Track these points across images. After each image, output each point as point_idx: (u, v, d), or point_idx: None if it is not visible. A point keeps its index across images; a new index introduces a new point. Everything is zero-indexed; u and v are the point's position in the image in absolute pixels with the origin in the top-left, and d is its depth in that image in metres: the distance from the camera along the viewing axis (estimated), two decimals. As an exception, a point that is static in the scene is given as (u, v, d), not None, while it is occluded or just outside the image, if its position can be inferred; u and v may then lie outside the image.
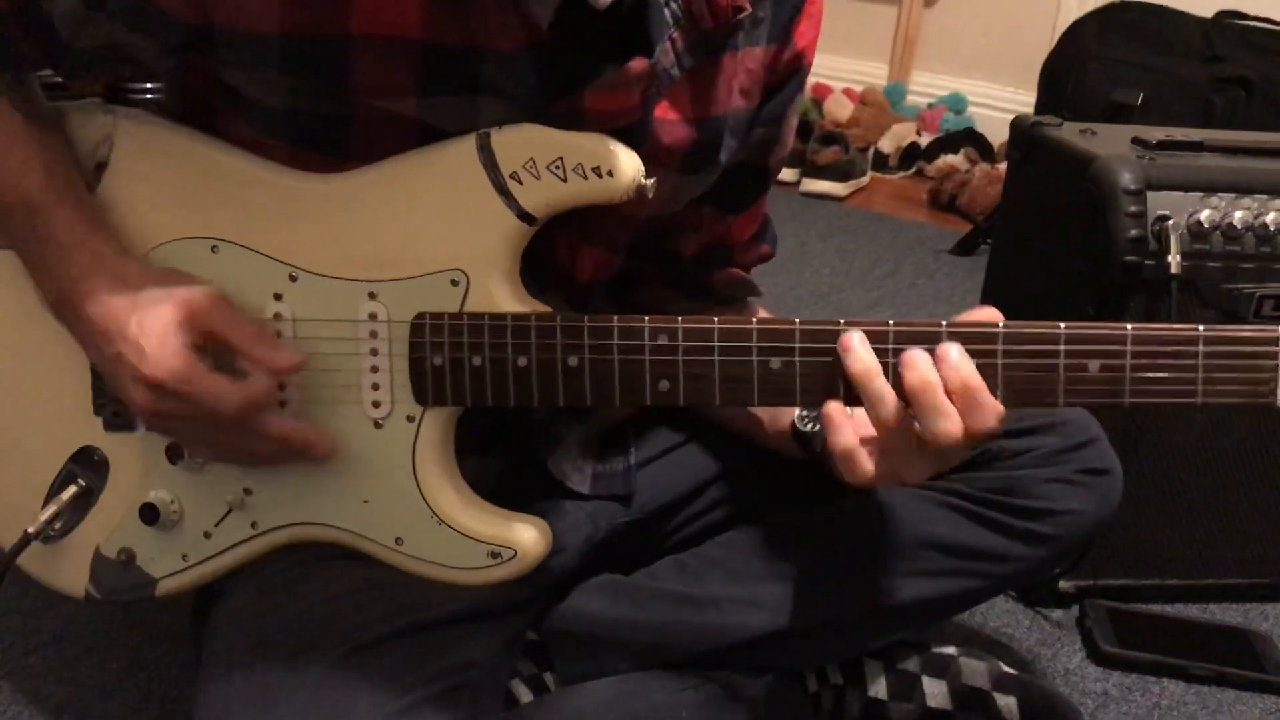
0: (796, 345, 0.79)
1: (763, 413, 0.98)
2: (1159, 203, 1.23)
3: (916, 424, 0.75)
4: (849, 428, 0.78)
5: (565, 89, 0.81)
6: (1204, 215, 1.23)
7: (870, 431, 0.78)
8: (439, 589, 0.86)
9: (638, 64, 0.81)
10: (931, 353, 0.76)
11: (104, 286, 0.81)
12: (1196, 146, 1.31)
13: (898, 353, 0.77)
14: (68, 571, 0.93)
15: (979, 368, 0.76)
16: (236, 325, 0.81)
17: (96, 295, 0.80)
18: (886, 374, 0.77)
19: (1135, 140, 1.33)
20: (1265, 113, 2.29)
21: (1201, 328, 0.76)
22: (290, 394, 0.84)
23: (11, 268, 0.88)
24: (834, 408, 0.79)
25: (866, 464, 0.78)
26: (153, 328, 0.78)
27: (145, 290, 0.80)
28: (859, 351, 0.77)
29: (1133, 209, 1.22)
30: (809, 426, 0.92)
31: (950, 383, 0.75)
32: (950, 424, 0.74)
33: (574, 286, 0.94)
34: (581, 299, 0.95)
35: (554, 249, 0.90)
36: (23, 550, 0.91)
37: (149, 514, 0.88)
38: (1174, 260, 1.20)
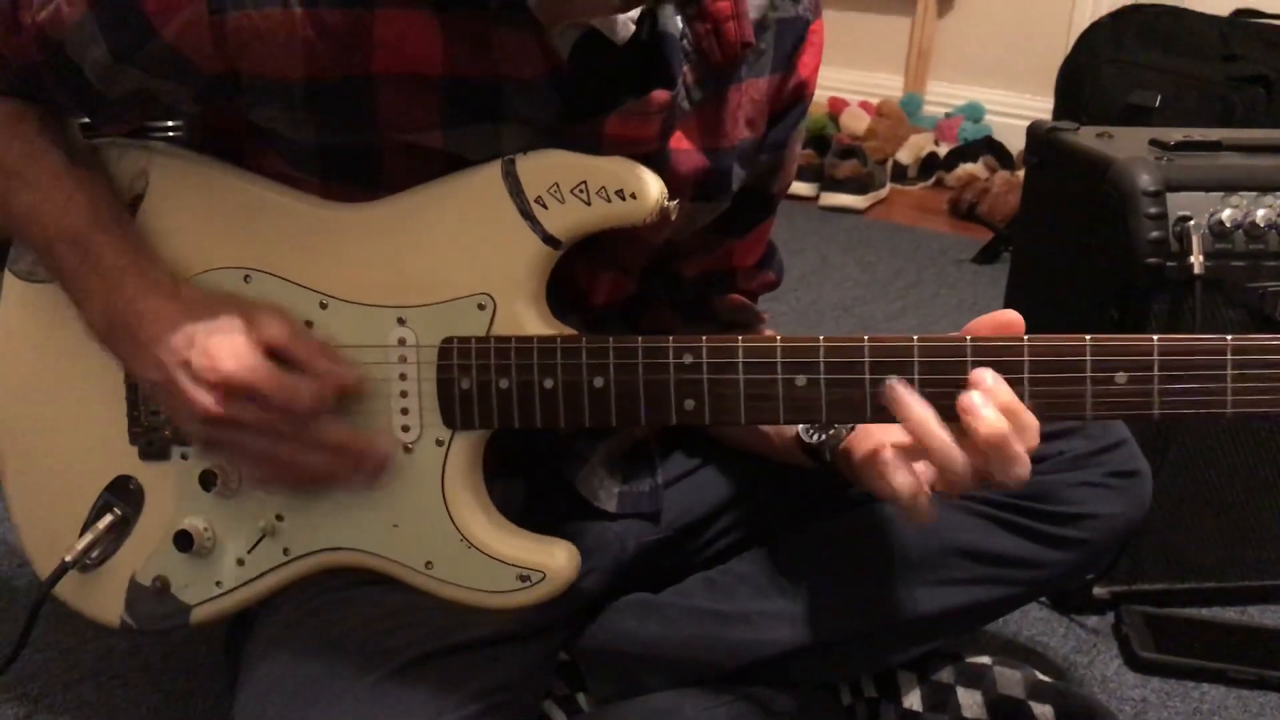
0: (821, 361, 0.79)
1: (769, 426, 0.98)
2: (1179, 203, 1.22)
3: (985, 471, 0.75)
4: (908, 469, 0.78)
5: (586, 115, 0.82)
6: (1226, 214, 1.22)
7: (900, 439, 0.78)
8: (470, 612, 0.87)
9: (661, 95, 0.82)
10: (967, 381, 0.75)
11: (162, 306, 0.82)
12: (1215, 146, 1.31)
13: (923, 367, 0.77)
14: (103, 600, 0.94)
15: (1006, 383, 0.76)
16: (301, 338, 0.82)
17: (155, 314, 0.81)
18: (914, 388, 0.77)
19: (1153, 142, 1.32)
20: (1286, 110, 2.28)
21: (1230, 338, 0.75)
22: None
23: (52, 300, 0.90)
24: (889, 452, 0.79)
25: (928, 503, 0.78)
26: (222, 334, 0.79)
27: (207, 307, 0.81)
28: (909, 404, 0.76)
29: (1152, 210, 1.21)
30: (814, 437, 0.92)
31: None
32: (1023, 469, 0.74)
33: (590, 310, 0.95)
34: (598, 322, 0.96)
35: (572, 273, 0.91)
36: (59, 579, 0.92)
37: (183, 541, 0.89)
38: (1196, 260, 1.20)
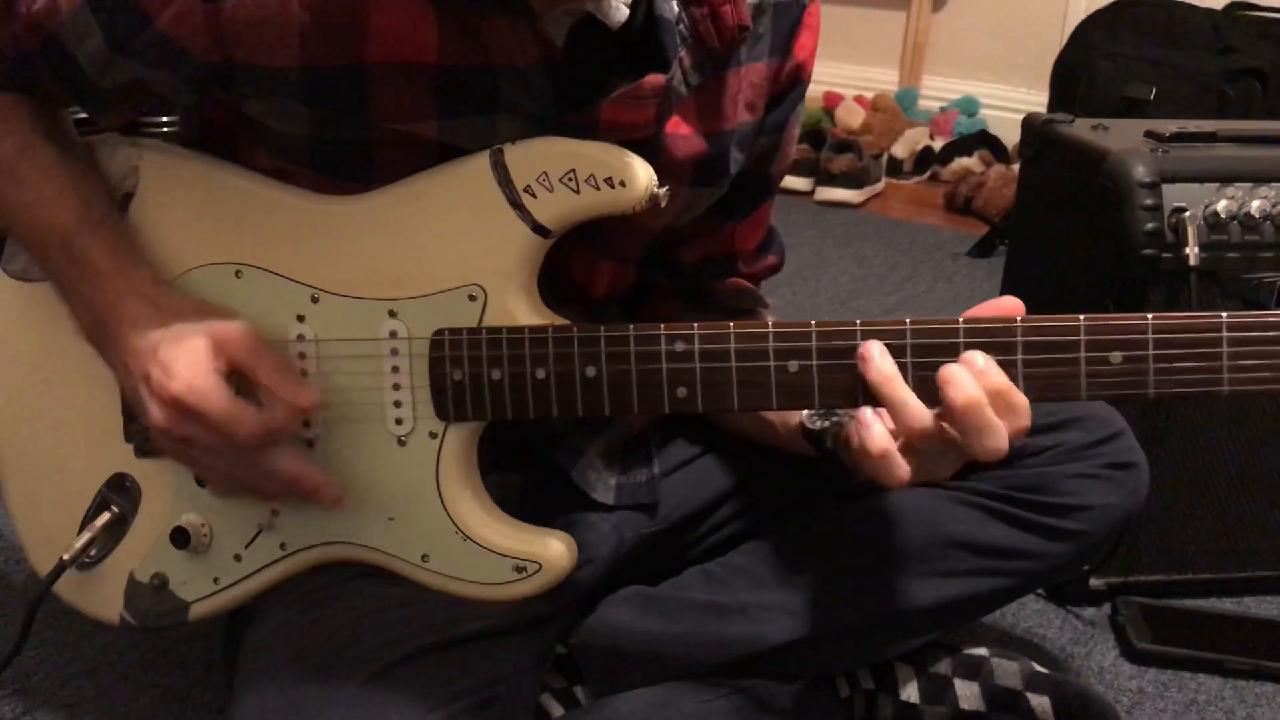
0: (813, 346, 0.79)
1: (773, 414, 0.98)
2: (1175, 195, 1.22)
3: (958, 437, 0.75)
4: (883, 428, 0.78)
5: (581, 103, 0.82)
6: (1221, 206, 1.23)
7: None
8: (467, 604, 0.87)
9: (654, 79, 0.82)
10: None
11: (139, 311, 0.82)
12: (1210, 138, 1.31)
13: (916, 350, 0.77)
14: (102, 598, 0.94)
15: (999, 364, 0.76)
16: (263, 359, 0.81)
17: (132, 318, 0.82)
18: (906, 377, 0.77)
19: (1148, 134, 1.32)
20: (1281, 102, 2.28)
21: (1225, 315, 0.75)
22: (314, 414, 0.85)
23: (46, 299, 0.89)
24: (866, 410, 0.79)
25: (902, 466, 0.78)
26: (184, 350, 0.79)
27: (179, 316, 0.81)
28: (876, 360, 0.77)
29: (1148, 202, 1.21)
30: (818, 424, 0.92)
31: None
32: (998, 439, 0.74)
33: (591, 301, 0.95)
34: (599, 315, 0.95)
35: (569, 265, 0.91)
36: (58, 577, 0.92)
37: (180, 538, 0.89)
38: (1192, 252, 1.20)
